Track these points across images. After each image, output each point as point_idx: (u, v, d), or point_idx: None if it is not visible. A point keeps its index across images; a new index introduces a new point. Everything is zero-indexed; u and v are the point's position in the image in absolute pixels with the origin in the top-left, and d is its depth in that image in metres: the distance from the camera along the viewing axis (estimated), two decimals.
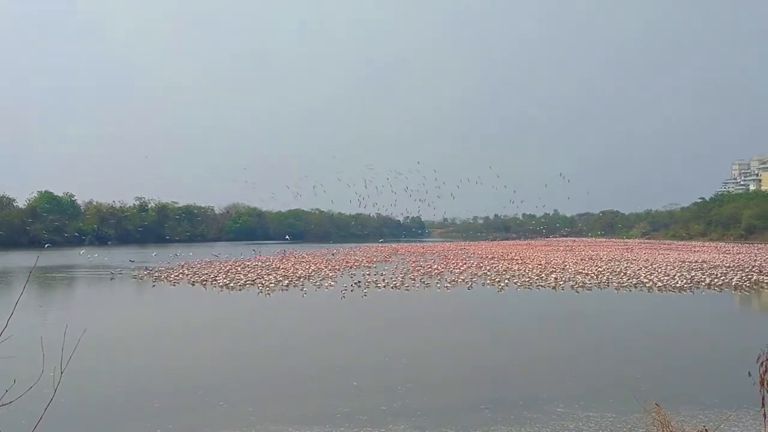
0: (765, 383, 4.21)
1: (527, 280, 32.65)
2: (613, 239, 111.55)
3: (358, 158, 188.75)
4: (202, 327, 20.40)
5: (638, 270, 37.21)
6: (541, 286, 30.50)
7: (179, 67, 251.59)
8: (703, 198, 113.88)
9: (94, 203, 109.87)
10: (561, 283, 31.22)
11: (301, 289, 29.32)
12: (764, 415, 4.54)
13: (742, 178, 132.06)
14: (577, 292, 28.65)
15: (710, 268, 38.60)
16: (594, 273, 35.71)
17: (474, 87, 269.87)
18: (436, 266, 42.19)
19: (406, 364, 14.38)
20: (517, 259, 49.28)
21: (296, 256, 56.88)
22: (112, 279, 36.76)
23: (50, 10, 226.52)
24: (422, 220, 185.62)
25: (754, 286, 30.32)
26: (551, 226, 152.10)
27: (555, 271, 36.85)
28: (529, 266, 41.05)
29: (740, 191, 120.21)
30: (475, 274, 36.31)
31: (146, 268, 41.83)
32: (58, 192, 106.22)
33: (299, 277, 34.75)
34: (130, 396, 11.82)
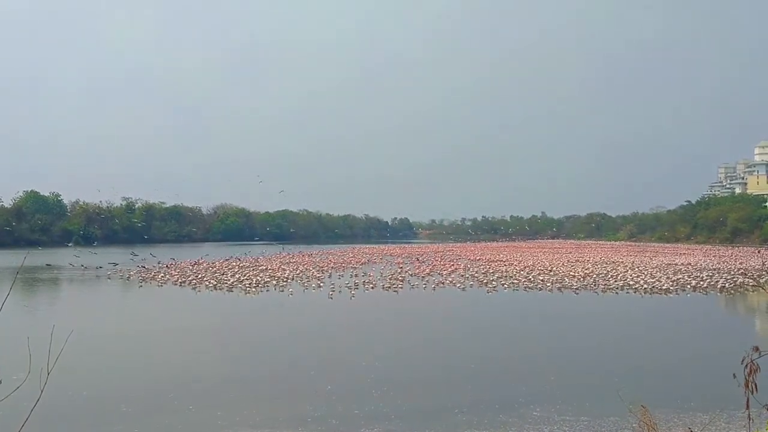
0: (750, 385, 3.93)
1: (515, 281, 32.44)
2: (600, 241, 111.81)
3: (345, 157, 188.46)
4: (182, 329, 19.92)
5: (625, 272, 37.09)
6: (529, 287, 30.29)
7: (170, 66, 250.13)
8: (689, 201, 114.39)
9: (81, 203, 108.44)
10: (548, 284, 31.00)
11: (283, 291, 28.87)
12: (749, 417, 4.27)
13: (728, 181, 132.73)
14: (562, 293, 28.44)
15: (696, 270, 38.57)
16: (581, 275, 35.55)
17: (465, 90, 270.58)
18: (423, 268, 41.89)
19: (382, 367, 13.99)
20: (504, 261, 49.09)
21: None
22: (109, 278, 36.36)
23: (40, 10, 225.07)
24: (410, 221, 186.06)
25: (739, 289, 30.25)
26: (538, 228, 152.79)
27: (542, 273, 36.69)
28: (517, 268, 40.85)
29: (726, 194, 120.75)
30: (463, 276, 36.02)
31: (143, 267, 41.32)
32: (45, 192, 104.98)
33: (286, 278, 34.25)
34: (98, 399, 11.40)
